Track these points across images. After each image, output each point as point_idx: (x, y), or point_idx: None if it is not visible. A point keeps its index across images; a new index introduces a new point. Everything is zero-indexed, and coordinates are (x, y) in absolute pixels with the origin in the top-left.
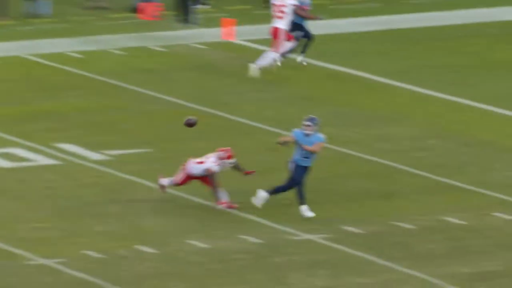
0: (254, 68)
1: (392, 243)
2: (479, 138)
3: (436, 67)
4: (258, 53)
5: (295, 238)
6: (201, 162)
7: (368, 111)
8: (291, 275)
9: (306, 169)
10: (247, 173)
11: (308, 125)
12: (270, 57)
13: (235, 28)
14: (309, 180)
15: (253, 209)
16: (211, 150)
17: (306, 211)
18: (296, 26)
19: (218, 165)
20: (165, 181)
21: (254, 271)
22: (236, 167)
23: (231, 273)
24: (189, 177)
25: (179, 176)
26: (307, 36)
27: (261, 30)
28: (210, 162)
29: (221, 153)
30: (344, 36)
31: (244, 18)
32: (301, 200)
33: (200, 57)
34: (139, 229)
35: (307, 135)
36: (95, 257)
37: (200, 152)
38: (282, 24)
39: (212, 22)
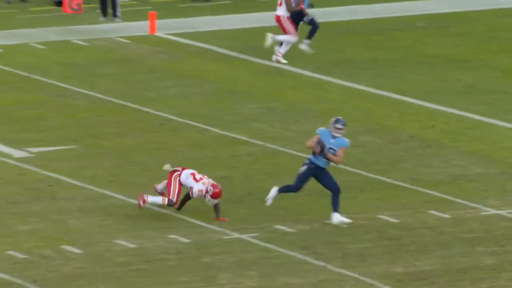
0: (270, 37)
1: (324, 242)
2: (411, 133)
3: (367, 61)
4: (181, 47)
5: (225, 237)
6: (197, 180)
7: (297, 106)
8: (220, 275)
9: (323, 170)
10: (218, 219)
11: (341, 129)
12: (287, 38)
13: (158, 22)
14: (238, 177)
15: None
16: (138, 146)
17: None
18: (298, 15)
19: (199, 195)
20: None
21: (182, 272)
22: (215, 207)
23: (159, 273)
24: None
25: (175, 193)
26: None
27: (186, 24)
28: (197, 188)
29: (211, 187)
30: (269, 30)
31: (169, 12)
32: (284, 189)
33: (123, 51)
34: (64, 228)
35: (334, 137)
36: (19, 257)
37: (126, 148)
38: (282, 11)
39: (135, 15)
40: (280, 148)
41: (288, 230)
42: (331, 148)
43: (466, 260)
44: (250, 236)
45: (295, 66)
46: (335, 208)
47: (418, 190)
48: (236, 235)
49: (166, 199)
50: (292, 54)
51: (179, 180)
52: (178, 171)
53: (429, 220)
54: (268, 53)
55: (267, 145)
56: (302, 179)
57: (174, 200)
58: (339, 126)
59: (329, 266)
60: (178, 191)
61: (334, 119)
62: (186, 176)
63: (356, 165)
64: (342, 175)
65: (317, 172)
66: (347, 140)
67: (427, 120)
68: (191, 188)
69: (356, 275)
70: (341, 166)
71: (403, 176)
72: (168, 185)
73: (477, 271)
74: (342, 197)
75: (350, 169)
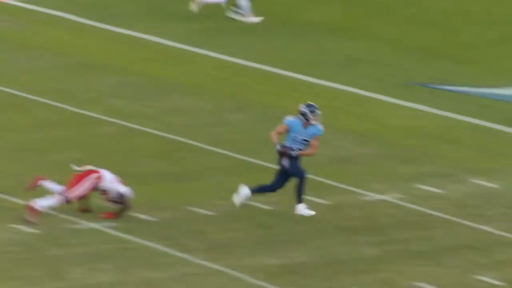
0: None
1: (188, 232)
2: (287, 111)
3: (237, 30)
4: (29, 14)
5: (77, 227)
6: (123, 183)
7: (159, 80)
8: (71, 269)
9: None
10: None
11: (318, 115)
12: None
13: None
14: (94, 160)
15: (26, 194)
16: None
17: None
18: None
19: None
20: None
21: (27, 265)
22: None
23: (0, 268)
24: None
25: (80, 195)
26: None
27: None
28: (123, 188)
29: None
30: None
31: None
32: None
33: None
34: None
35: (308, 125)
36: None
37: None
38: None
39: None
40: (140, 127)
41: (148, 219)
42: (304, 140)
43: (345, 251)
44: (106, 226)
45: (157, 35)
46: (254, 190)
47: None
48: (89, 224)
49: (63, 196)
50: (153, 21)
51: (95, 185)
52: (97, 172)
53: None
54: (123, 20)
55: (126, 123)
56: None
57: (73, 199)
58: (318, 112)
59: (193, 258)
60: (84, 196)
61: (305, 105)
62: (112, 180)
63: (224, 146)
64: (208, 156)
65: (291, 160)
66: (320, 127)
67: (305, 96)
68: (123, 194)
69: (223, 268)
70: (207, 146)
71: (276, 158)
72: (76, 183)
73: (358, 262)
74: (207, 182)
75: (217, 150)
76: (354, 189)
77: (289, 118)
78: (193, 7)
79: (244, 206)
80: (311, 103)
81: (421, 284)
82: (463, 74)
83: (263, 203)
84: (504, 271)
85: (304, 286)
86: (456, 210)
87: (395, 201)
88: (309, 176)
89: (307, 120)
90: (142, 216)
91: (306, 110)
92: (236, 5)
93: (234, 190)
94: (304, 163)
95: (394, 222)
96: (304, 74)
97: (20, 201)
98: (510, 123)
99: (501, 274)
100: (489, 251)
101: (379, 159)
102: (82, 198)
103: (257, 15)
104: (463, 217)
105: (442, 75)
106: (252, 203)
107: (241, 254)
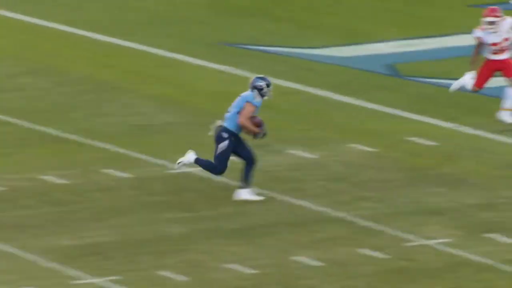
0: None
1: None
2: (83, 74)
3: None
4: None
5: None
6: None
7: None
8: None
9: (239, 138)
10: None
11: (271, 89)
12: None
13: None
14: None
15: None
16: None
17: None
18: None
19: None
20: None
21: None
22: None
23: None
24: None
25: None
26: None
27: None
28: None
29: None
30: None
31: None
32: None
33: None
34: None
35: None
36: None
37: None
38: None
39: None
40: None
41: None
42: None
43: (149, 230)
44: None
45: None
46: (247, 182)
47: (91, 144)
48: None
49: None
50: None
51: None
52: None
53: (104, 181)
54: None
55: None
56: (226, 157)
57: None
58: (271, 86)
59: None
60: None
61: (260, 78)
62: None
63: (14, 114)
64: None
65: (235, 143)
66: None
67: (102, 58)
68: None
69: (13, 250)
70: None
71: (73, 127)
72: None
73: (163, 242)
74: None
75: (6, 119)
76: (157, 161)
77: (258, 99)
78: None
79: (33, 180)
80: (262, 76)
81: (233, 266)
82: (278, 33)
83: (57, 176)
84: (324, 251)
85: (104, 268)
86: (271, 184)
87: (203, 174)
88: (120, 150)
89: (262, 96)
90: None
91: (263, 84)
92: None
93: (26, 163)
94: (106, 130)
95: (202, 198)
96: (103, 33)
97: None
98: (330, 87)
99: (321, 253)
100: (308, 229)
101: (185, 128)
102: None
103: None
104: (279, 192)
105: (254, 34)
106: (44, 177)
107: (34, 234)
